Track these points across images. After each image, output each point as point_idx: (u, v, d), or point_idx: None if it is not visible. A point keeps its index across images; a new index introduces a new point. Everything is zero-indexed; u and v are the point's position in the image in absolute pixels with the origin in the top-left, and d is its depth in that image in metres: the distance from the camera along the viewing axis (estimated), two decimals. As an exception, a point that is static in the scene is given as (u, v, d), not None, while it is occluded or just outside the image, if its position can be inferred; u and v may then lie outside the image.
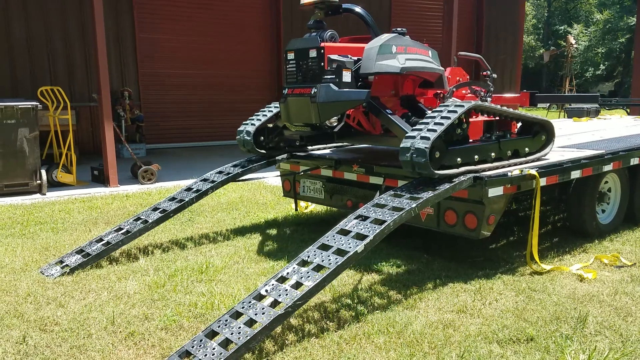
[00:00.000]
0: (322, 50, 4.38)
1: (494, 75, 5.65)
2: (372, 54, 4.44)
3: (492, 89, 5.55)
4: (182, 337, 3.40)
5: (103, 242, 4.82)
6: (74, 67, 12.39)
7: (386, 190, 4.30)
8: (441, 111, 4.22)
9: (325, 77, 4.36)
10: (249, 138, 5.43)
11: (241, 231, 5.89)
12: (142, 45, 13.22)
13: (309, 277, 3.39)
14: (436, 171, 4.03)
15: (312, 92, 4.37)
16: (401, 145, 4.06)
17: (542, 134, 4.98)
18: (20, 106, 7.81)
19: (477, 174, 4.23)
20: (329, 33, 4.61)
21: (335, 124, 4.61)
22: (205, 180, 5.40)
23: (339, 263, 3.44)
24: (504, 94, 6.89)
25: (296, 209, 6.53)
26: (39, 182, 8.01)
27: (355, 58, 4.49)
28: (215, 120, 14.34)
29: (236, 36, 14.35)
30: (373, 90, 4.57)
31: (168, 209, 5.10)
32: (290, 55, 4.63)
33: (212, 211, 6.82)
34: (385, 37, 4.57)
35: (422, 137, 3.98)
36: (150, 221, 4.97)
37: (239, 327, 3.15)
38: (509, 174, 4.33)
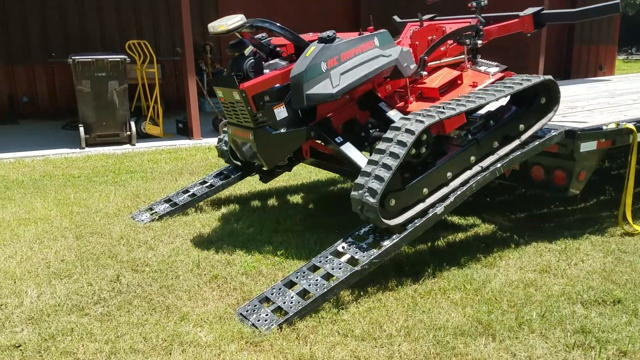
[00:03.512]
0: (244, 94, 3.62)
1: (484, 3, 4.50)
2: (298, 83, 3.60)
3: (481, 27, 4.45)
4: (261, 282, 3.53)
5: (189, 193, 5.06)
6: (158, 21, 12.73)
7: None
8: (390, 139, 3.38)
9: (257, 120, 3.69)
10: (226, 149, 5.08)
11: (316, 185, 5.95)
12: (223, -1, 13.33)
13: (385, 237, 3.38)
14: (389, 222, 3.35)
15: (251, 138, 3.77)
16: (351, 195, 3.42)
17: (539, 97, 4.03)
18: (110, 59, 8.18)
19: (569, 128, 3.98)
20: (249, 62, 3.74)
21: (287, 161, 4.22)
22: None
23: (417, 225, 3.39)
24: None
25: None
26: (128, 133, 8.45)
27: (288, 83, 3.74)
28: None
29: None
30: (320, 112, 3.89)
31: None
32: (219, 93, 3.91)
33: (289, 164, 6.92)
34: (311, 53, 3.66)
35: (370, 190, 3.29)
36: (232, 177, 5.14)
37: (317, 280, 3.22)
38: (604, 127, 4.05)
